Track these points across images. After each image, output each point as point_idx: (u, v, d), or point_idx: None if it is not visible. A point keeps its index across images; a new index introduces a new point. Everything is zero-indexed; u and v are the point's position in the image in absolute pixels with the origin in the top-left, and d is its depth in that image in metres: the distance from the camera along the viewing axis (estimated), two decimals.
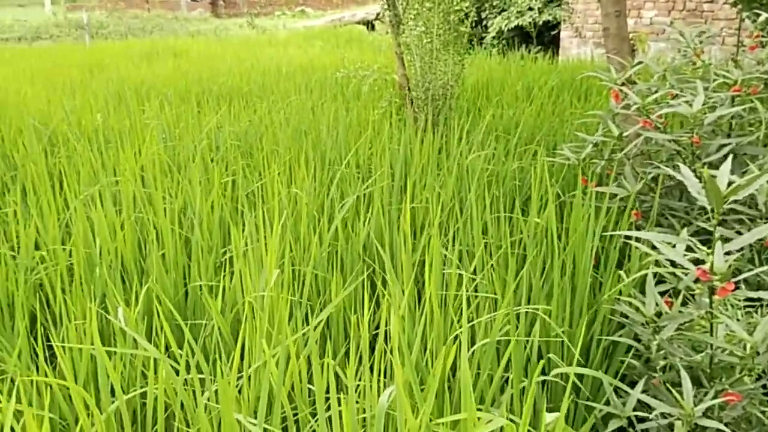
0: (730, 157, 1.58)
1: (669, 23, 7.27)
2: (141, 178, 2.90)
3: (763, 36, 2.82)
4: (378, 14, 16.30)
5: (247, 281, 1.87)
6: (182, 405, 1.57)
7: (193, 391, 1.62)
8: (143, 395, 1.68)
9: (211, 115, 4.70)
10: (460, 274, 2.03)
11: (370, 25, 15.84)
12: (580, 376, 1.88)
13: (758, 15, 2.84)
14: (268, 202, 2.52)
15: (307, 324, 1.85)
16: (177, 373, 1.54)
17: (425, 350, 1.75)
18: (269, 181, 2.81)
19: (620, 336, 1.90)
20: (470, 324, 1.94)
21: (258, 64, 8.07)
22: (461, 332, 1.53)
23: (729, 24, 6.69)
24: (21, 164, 3.27)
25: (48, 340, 2.07)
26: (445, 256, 2.18)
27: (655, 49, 7.12)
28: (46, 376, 1.57)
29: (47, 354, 1.87)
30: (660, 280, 2.11)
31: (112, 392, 1.61)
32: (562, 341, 1.92)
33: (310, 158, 3.26)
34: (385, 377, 1.85)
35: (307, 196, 2.50)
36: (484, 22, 9.57)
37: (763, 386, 1.63)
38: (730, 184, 1.56)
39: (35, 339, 2.07)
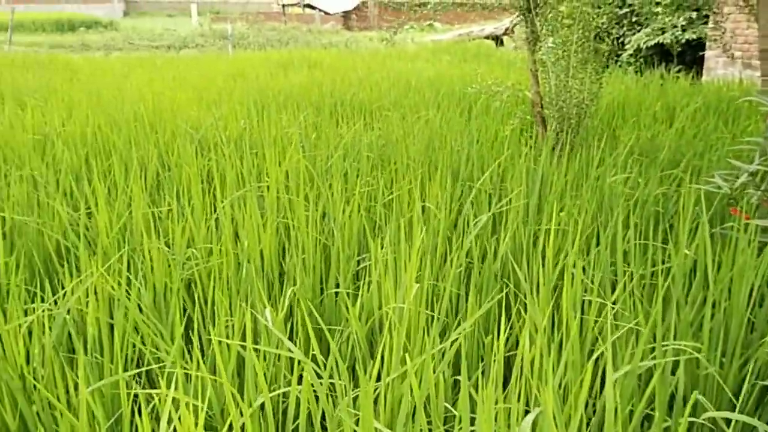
0: None
1: None
2: (284, 185, 3.03)
3: None
4: (507, 29, 16.15)
5: (386, 292, 1.90)
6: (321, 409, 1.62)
7: (332, 396, 1.67)
8: (284, 396, 1.75)
9: (344, 126, 4.85)
10: (600, 302, 1.97)
11: (498, 40, 15.72)
12: (727, 421, 1.76)
13: None
14: (404, 214, 2.56)
15: (442, 340, 1.85)
16: (319, 377, 1.59)
17: (562, 377, 1.71)
18: (404, 193, 2.85)
19: None
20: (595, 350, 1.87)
21: (388, 76, 8.23)
22: (601, 360, 1.47)
23: None
24: (175, 165, 3.52)
25: (192, 333, 2.21)
26: (582, 281, 2.12)
27: None
28: (199, 368, 1.68)
29: (198, 347, 1.99)
30: None
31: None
32: (711, 383, 1.81)
33: (444, 173, 3.28)
34: (518, 400, 1.82)
35: (442, 212, 2.51)
36: (621, 39, 9.22)
37: None
38: None
39: (186, 332, 2.21)
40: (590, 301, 1.97)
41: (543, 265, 1.99)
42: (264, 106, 5.67)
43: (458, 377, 1.86)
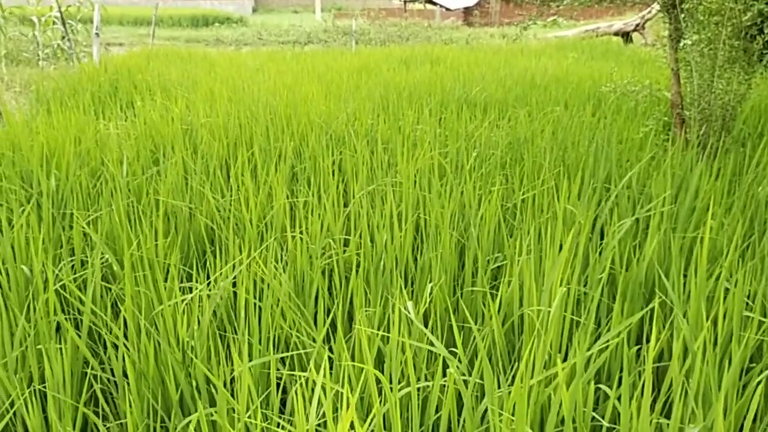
0: None
1: None
2: (416, 180, 3.06)
3: None
4: (637, 25, 15.41)
5: (530, 293, 1.88)
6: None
7: (474, 394, 1.67)
8: (419, 390, 1.77)
9: (471, 122, 4.82)
10: (760, 320, 1.84)
11: (627, 36, 15.05)
12: None
13: None
14: (543, 214, 2.51)
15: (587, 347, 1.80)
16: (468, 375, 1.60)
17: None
18: (539, 193, 2.80)
19: None
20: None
21: (511, 73, 8.09)
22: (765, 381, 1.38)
23: None
24: (309, 158, 3.64)
25: (334, 319, 2.28)
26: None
27: None
28: (341, 356, 1.73)
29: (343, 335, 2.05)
30: None
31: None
32: None
33: (576, 173, 3.18)
34: (665, 415, 1.74)
35: (583, 214, 2.44)
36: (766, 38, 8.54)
37: None
38: None
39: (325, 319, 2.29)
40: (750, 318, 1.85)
41: (696, 275, 1.89)
42: (390, 101, 5.74)
43: (599, 385, 1.81)
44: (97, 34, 9.27)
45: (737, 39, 4.50)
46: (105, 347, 2.08)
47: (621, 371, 1.96)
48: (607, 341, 1.68)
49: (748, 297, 2.08)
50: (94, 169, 3.39)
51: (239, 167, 3.24)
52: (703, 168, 3.19)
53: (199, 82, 6.56)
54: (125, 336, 1.92)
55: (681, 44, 4.52)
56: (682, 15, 4.54)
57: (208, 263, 2.44)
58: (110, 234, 2.54)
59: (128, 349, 1.78)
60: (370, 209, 2.75)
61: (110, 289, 2.27)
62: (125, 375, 1.81)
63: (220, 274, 2.08)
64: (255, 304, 2.04)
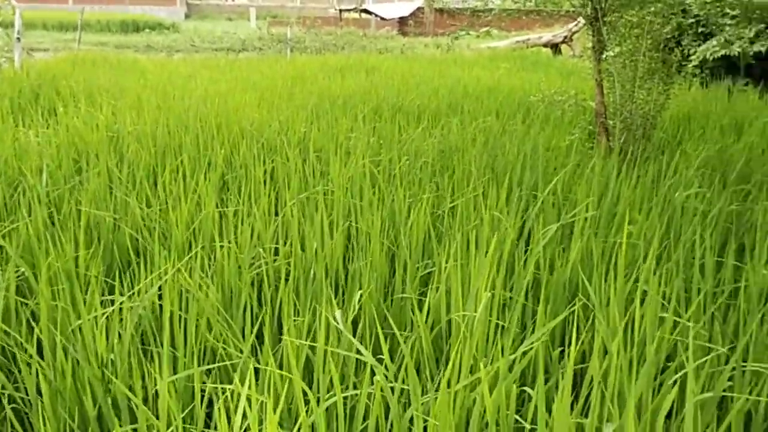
0: None
1: None
2: (348, 188, 3.06)
3: None
4: (565, 37, 15.92)
5: (456, 299, 1.90)
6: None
7: (401, 401, 1.67)
8: (350, 398, 1.76)
9: (404, 131, 4.86)
10: (675, 319, 1.92)
11: (556, 48, 15.53)
12: None
13: None
14: (470, 221, 2.55)
15: (512, 351, 1.84)
16: (392, 381, 1.60)
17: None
18: (468, 200, 2.85)
19: None
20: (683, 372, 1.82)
21: (445, 83, 8.22)
22: (680, 380, 1.44)
23: None
24: (240, 166, 3.59)
25: (264, 329, 2.25)
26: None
27: None
28: (268, 365, 1.71)
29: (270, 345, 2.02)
30: None
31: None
32: None
33: (504, 181, 3.26)
34: (583, 414, 1.79)
35: (509, 220, 2.49)
36: (685, 50, 8.98)
37: None
38: None
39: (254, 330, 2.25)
40: (662, 318, 1.93)
41: (615, 279, 1.96)
42: (324, 109, 5.73)
43: (523, 388, 1.85)
44: (18, 38, 8.90)
45: (656, 51, 4.72)
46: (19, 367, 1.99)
47: (547, 372, 2.01)
48: (531, 344, 1.72)
49: (664, 298, 2.17)
50: (12, 179, 3.24)
51: (167, 176, 3.16)
52: (624, 175, 3.32)
53: (128, 89, 6.38)
54: (41, 353, 1.84)
55: (604, 56, 4.70)
56: (605, 28, 4.72)
57: (132, 275, 2.37)
58: (27, 246, 2.43)
59: (41, 367, 1.70)
60: (301, 218, 2.73)
61: (27, 304, 2.17)
62: (40, 393, 1.74)
63: (143, 285, 2.02)
64: (180, 316, 1.99)
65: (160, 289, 2.12)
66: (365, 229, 2.49)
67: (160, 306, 2.15)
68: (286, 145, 3.99)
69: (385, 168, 3.61)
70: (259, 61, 12.19)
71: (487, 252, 2.05)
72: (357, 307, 1.95)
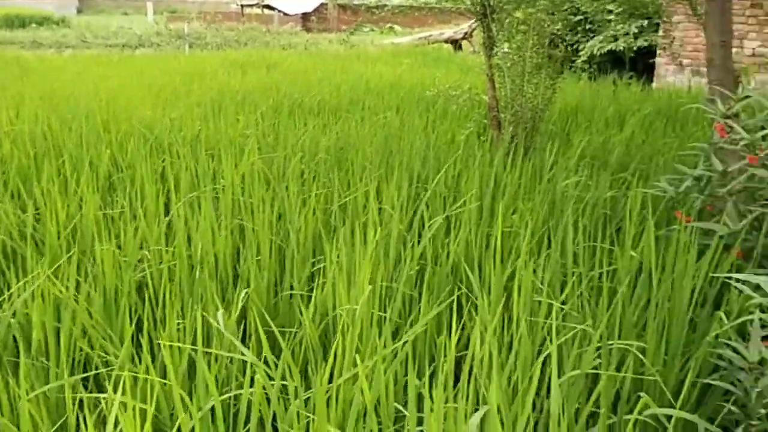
0: None
1: None
2: (239, 187, 3.01)
3: None
4: (466, 34, 16.30)
5: (339, 293, 1.91)
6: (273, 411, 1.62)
7: (284, 399, 1.67)
8: (236, 398, 1.74)
9: (303, 127, 4.83)
10: (549, 302, 2.01)
11: (457, 44, 15.87)
12: (668, 418, 1.82)
13: None
14: (360, 216, 2.57)
15: (395, 341, 1.87)
16: (270, 378, 1.59)
17: (510, 376, 1.74)
18: (360, 195, 2.87)
19: (716, 379, 1.83)
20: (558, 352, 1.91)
21: (347, 79, 8.24)
22: (549, 359, 1.51)
23: None
24: (128, 166, 3.46)
25: (142, 336, 2.18)
26: (533, 282, 2.16)
27: (759, 82, 6.81)
28: (148, 372, 1.66)
29: (148, 350, 1.96)
30: (761, 324, 2.02)
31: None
32: (654, 380, 1.87)
33: (400, 175, 3.30)
34: (467, 399, 1.85)
35: (397, 213, 2.53)
36: (575, 46, 9.42)
37: None
38: None
39: (136, 335, 2.18)
40: (540, 302, 2.02)
41: (494, 267, 2.03)
42: (221, 106, 5.61)
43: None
44: None
45: (543, 47, 4.91)
46: None
47: (434, 360, 2.06)
48: (412, 333, 1.75)
49: (543, 284, 2.26)
50: None
51: (44, 178, 3.00)
52: (511, 166, 3.44)
53: (7, 87, 6.00)
54: None
55: (494, 51, 4.85)
56: (494, 24, 4.87)
57: (3, 283, 2.24)
58: None
59: None
60: (190, 218, 2.66)
61: None
62: None
63: (10, 295, 1.91)
64: (54, 325, 1.89)
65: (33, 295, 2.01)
66: (256, 227, 2.46)
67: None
68: (178, 143, 3.88)
69: (280, 165, 3.58)
70: (156, 57, 11.76)
71: (374, 245, 2.07)
72: (240, 306, 1.92)
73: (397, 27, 22.70)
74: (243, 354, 1.67)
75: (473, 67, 10.38)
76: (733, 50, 7.54)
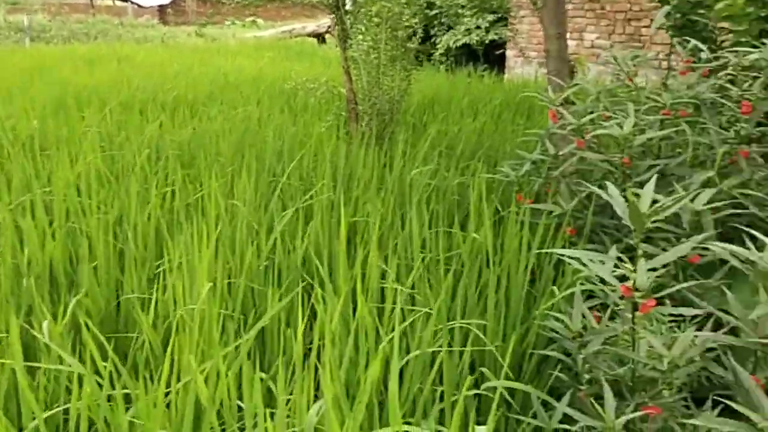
0: (654, 178, 1.65)
1: (609, 46, 7.51)
2: (76, 188, 2.81)
3: (694, 61, 2.94)
4: (329, 27, 16.32)
5: (179, 294, 1.84)
6: (107, 421, 1.53)
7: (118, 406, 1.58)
8: (68, 411, 1.63)
9: (154, 124, 4.61)
10: (396, 288, 2.05)
11: (321, 38, 15.85)
12: (513, 391, 1.92)
13: (688, 41, 2.97)
14: (207, 214, 2.49)
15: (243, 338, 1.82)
16: (101, 387, 1.50)
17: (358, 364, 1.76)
18: (208, 192, 2.77)
19: (552, 350, 1.94)
20: (400, 337, 1.96)
21: (206, 73, 7.98)
22: (393, 344, 1.54)
23: (665, 49, 6.97)
24: None
25: None
26: (384, 270, 2.19)
27: (595, 72, 7.34)
28: None
29: None
30: (594, 295, 2.17)
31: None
32: (496, 357, 1.95)
33: (252, 169, 3.24)
34: (317, 391, 1.84)
35: (247, 208, 2.48)
36: (433, 39, 9.70)
37: (685, 399, 1.69)
38: (654, 203, 1.62)
39: None
40: (387, 288, 2.05)
41: (341, 256, 2.03)
42: (63, 103, 5.23)
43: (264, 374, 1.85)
44: None
45: (397, 40, 5.00)
46: None
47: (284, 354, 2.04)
48: (257, 328, 1.71)
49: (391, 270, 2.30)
50: None
51: None
52: (368, 156, 3.48)
53: None
54: None
55: (348, 44, 4.88)
56: (348, 17, 4.89)
57: None
58: None
59: None
60: (20, 222, 2.45)
61: None
62: None
63: None
64: None
65: None
66: (86, 230, 2.31)
67: None
68: (9, 143, 3.57)
69: (128, 163, 3.39)
70: None
71: (218, 241, 2.01)
72: (70, 313, 1.79)
73: (260, 20, 22.28)
74: (70, 365, 1.55)
75: (335, 60, 10.42)
76: (574, 42, 8.10)
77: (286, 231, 2.46)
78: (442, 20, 9.34)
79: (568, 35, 7.99)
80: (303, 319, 1.72)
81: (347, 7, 5.10)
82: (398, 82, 5.03)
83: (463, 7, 8.68)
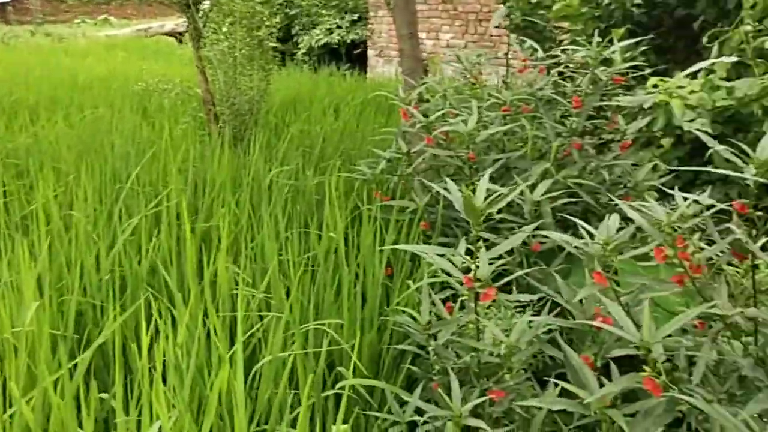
0: (488, 174, 1.72)
1: (464, 46, 7.82)
2: None
3: (534, 60, 3.10)
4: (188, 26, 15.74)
5: (4, 316, 1.68)
6: None
7: None
8: None
9: None
10: (249, 295, 2.00)
11: (179, 36, 15.26)
12: (373, 388, 1.93)
13: (525, 41, 3.13)
14: (40, 226, 2.30)
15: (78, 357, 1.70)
16: None
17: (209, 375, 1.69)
18: (41, 203, 2.57)
19: (409, 344, 1.97)
20: (250, 343, 1.91)
21: (51, 74, 7.42)
22: (237, 353, 1.49)
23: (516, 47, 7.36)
24: None
25: None
26: (238, 275, 2.13)
27: (451, 71, 7.61)
28: None
29: None
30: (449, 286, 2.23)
31: None
32: (355, 353, 1.96)
33: (96, 176, 3.04)
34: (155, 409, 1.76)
35: (86, 218, 2.31)
36: (295, 38, 9.63)
37: (529, 379, 1.77)
38: (489, 196, 1.69)
39: None
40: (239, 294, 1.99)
41: (208, 265, 1.95)
42: None
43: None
44: None
45: (252, 38, 4.90)
46: None
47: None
48: (92, 348, 1.60)
49: (253, 278, 2.24)
50: None
51: None
52: (223, 159, 3.37)
53: None
54: None
55: (201, 43, 4.71)
56: (200, 14, 4.73)
57: None
58: None
59: None
60: None
61: None
62: None
63: None
64: None
65: None
66: None
67: None
68: None
69: None
70: None
71: (48, 256, 1.86)
72: None
73: (113, 19, 21.04)
74: None
75: (193, 59, 10.06)
76: (431, 42, 8.35)
77: (130, 241, 2.33)
78: (303, 19, 9.30)
79: (425, 35, 8.25)
80: (146, 333, 1.63)
81: (205, 6, 4.93)
82: (257, 82, 4.94)
83: (323, 5, 8.68)
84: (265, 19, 5.06)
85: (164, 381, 1.79)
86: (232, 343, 1.90)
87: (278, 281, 2.10)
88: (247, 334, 1.82)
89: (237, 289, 2.04)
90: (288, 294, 2.08)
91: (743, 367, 1.30)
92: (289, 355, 1.65)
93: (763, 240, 1.38)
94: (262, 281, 2.19)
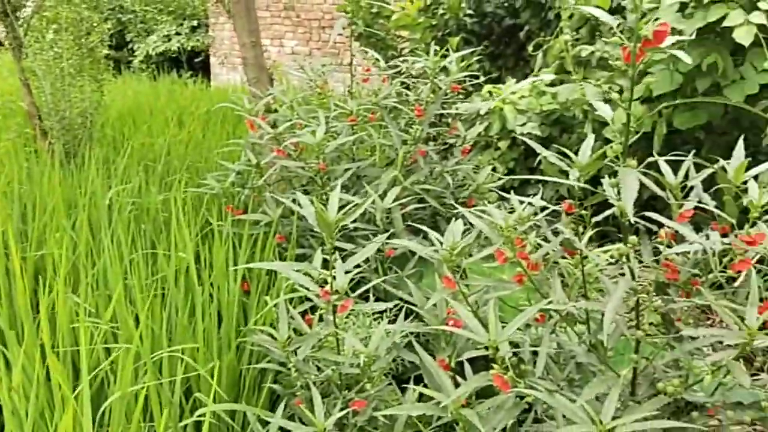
0: (339, 184, 1.73)
1: (308, 53, 7.84)
2: None
3: (380, 70, 3.17)
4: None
5: None
6: None
7: None
8: None
9: None
10: (95, 324, 1.87)
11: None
12: (233, 411, 1.87)
13: (367, 52, 3.21)
14: None
15: None
16: None
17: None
18: None
19: (269, 362, 1.94)
20: (97, 376, 1.80)
21: None
22: (83, 391, 1.39)
23: (360, 55, 7.50)
24: None
25: None
26: (79, 305, 1.98)
27: (298, 79, 7.62)
28: None
29: None
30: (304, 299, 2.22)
31: None
32: (214, 377, 1.89)
33: None
34: None
35: None
36: (130, 46, 9.15)
37: (390, 384, 1.81)
38: (346, 206, 1.71)
39: None
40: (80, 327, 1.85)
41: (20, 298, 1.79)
42: None
43: None
44: None
45: (80, 47, 4.58)
46: None
47: None
48: None
49: (96, 307, 2.10)
50: None
51: None
52: (52, 177, 3.12)
53: None
54: None
55: (23, 53, 4.34)
56: (20, 23, 4.35)
57: None
58: None
59: None
60: None
61: None
62: None
63: None
64: None
65: None
66: None
67: None
68: None
69: None
70: None
71: None
72: None
73: None
74: None
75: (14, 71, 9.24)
76: (276, 49, 8.29)
77: None
78: (138, 26, 8.85)
79: (269, 42, 8.18)
80: None
81: (26, 12, 4.53)
82: (89, 93, 4.63)
83: (159, 11, 8.32)
84: (94, 24, 4.76)
85: (2, 429, 1.63)
86: (77, 378, 1.77)
87: (124, 308, 1.98)
88: (96, 370, 1.70)
89: (78, 321, 1.91)
90: (137, 321, 1.97)
91: (578, 354, 1.42)
92: (142, 387, 1.57)
93: (589, 233, 1.51)
94: (107, 310, 2.06)
